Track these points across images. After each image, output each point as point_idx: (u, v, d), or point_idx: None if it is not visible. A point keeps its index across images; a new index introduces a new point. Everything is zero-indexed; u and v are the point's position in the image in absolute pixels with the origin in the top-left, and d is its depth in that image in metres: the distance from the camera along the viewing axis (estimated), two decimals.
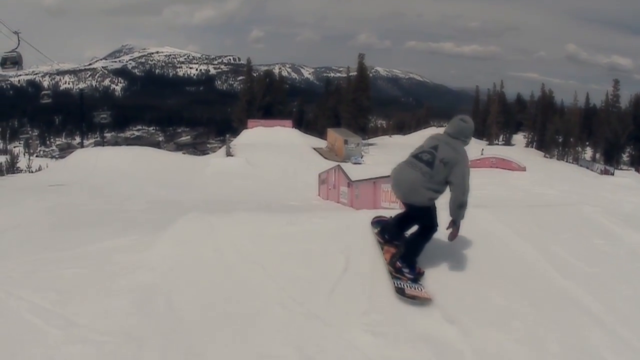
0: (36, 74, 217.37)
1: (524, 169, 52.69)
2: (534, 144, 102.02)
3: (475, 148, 73.52)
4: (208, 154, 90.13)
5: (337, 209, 13.27)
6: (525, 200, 32.76)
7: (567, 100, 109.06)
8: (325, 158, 59.34)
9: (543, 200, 33.69)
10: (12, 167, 55.70)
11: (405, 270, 6.29)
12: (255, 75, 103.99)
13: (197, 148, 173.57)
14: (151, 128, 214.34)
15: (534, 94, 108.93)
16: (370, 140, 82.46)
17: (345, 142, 65.08)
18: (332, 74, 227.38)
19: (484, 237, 7.15)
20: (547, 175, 48.87)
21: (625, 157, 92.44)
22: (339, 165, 17.01)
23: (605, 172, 61.53)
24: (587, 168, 67.92)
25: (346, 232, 7.05)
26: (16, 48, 45.10)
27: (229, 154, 56.35)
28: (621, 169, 74.89)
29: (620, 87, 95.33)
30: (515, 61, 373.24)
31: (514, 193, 36.80)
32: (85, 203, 16.97)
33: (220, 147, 78.01)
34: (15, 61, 44.92)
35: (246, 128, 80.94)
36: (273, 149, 57.76)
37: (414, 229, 6.51)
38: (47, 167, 57.05)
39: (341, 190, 15.88)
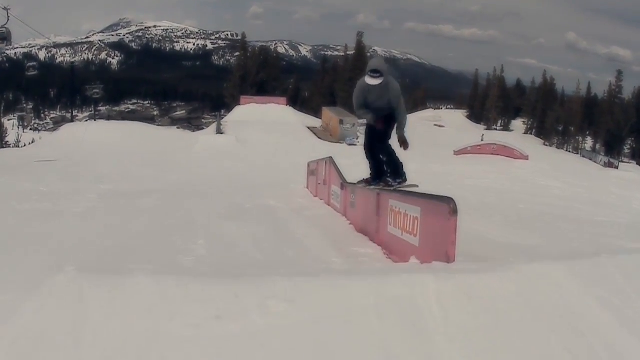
0: (32, 46, 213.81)
1: (526, 158, 50.62)
2: (533, 131, 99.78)
3: (474, 133, 72.01)
4: (203, 129, 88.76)
5: (327, 233, 9.58)
6: (531, 193, 31.07)
7: (566, 88, 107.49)
8: (319, 138, 57.13)
9: (550, 194, 32.03)
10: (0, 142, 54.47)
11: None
12: (250, 50, 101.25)
13: (191, 123, 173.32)
14: (146, 102, 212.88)
15: (535, 80, 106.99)
16: None
17: (341, 122, 62.40)
18: (329, 52, 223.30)
19: (570, 324, 4.08)
20: (551, 166, 47.14)
21: (626, 149, 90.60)
22: (330, 157, 14.06)
23: (610, 165, 59.50)
24: (590, 159, 65.83)
25: (328, 341, 3.66)
26: (5, 24, 44.62)
27: (219, 132, 54.08)
28: (622, 162, 72.91)
29: (622, 78, 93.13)
30: (514, 46, 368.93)
31: (517, 184, 35.24)
32: (32, 195, 14.08)
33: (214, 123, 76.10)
34: (4, 37, 44.49)
35: (239, 104, 78.00)
36: (265, 127, 55.29)
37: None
38: (40, 139, 56.08)
39: (332, 190, 13.02)
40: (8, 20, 44.33)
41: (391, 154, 9.28)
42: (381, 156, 9.41)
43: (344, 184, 11.56)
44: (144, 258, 6.08)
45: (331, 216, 11.46)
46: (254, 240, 7.76)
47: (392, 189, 8.85)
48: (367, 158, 9.62)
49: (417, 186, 9.03)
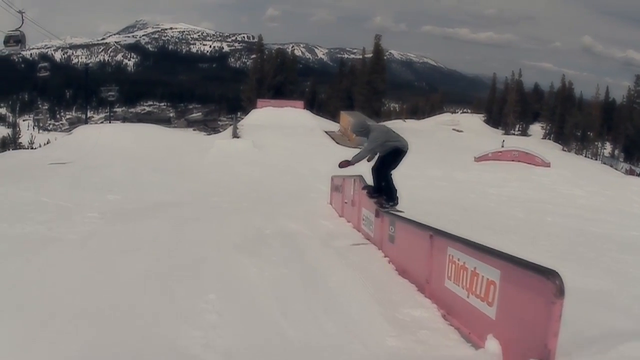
0: (48, 47, 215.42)
1: (548, 165, 49.37)
2: (552, 135, 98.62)
3: (493, 138, 71.07)
4: (219, 131, 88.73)
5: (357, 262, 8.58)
6: (556, 203, 30.42)
7: (583, 92, 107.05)
8: (337, 143, 56.02)
9: (575, 204, 31.25)
10: (13, 143, 54.44)
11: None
12: (266, 53, 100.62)
13: (207, 125, 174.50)
14: (162, 104, 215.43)
15: (553, 84, 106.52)
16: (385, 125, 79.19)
17: None
18: (346, 55, 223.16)
19: None
20: (573, 173, 46.04)
21: None
22: (361, 176, 12.81)
23: (631, 173, 58.50)
24: (611, 166, 64.60)
25: None
26: (20, 27, 45.19)
27: (235, 135, 53.20)
28: None
29: None
30: (530, 50, 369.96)
31: (541, 193, 34.59)
32: (30, 210, 12.96)
33: (231, 126, 75.35)
34: (18, 39, 45.04)
35: (255, 107, 77.32)
36: (282, 131, 54.72)
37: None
38: (55, 140, 56.29)
39: (364, 214, 11.69)
40: (22, 23, 44.95)
41: (389, 180, 11.15)
42: (382, 182, 11.16)
43: (379, 211, 10.45)
44: (134, 337, 4.83)
45: (365, 250, 10.28)
46: (279, 298, 6.24)
47: (384, 209, 10.48)
48: (372, 177, 11.39)
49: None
